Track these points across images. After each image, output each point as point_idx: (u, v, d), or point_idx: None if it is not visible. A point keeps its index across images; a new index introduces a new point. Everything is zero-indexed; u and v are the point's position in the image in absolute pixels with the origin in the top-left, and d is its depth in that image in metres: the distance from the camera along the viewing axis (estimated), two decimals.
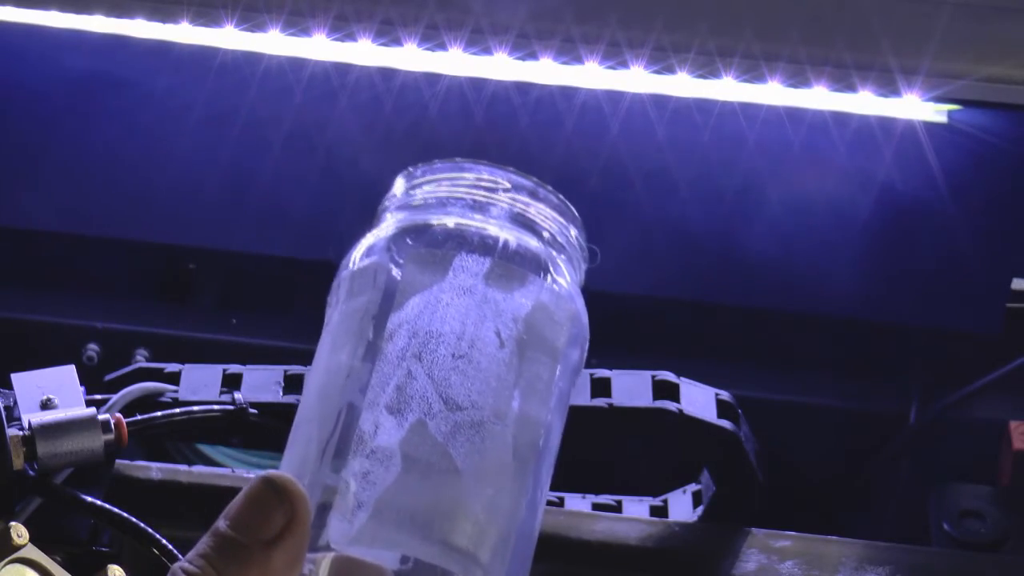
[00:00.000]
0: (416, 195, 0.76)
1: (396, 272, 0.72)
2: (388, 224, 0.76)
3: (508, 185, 0.75)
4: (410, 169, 0.77)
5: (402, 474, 0.66)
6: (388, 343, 0.69)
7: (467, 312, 0.69)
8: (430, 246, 0.72)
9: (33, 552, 0.80)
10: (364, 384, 0.68)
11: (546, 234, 0.74)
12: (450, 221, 0.73)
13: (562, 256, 0.74)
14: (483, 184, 0.75)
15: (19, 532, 0.79)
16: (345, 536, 0.64)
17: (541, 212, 0.75)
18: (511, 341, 0.69)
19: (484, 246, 0.72)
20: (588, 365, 0.96)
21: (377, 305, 0.71)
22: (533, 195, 0.75)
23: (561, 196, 0.75)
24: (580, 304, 0.75)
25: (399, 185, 0.78)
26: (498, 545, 0.67)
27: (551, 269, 0.73)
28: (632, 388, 0.93)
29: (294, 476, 0.63)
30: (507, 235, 0.73)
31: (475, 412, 0.67)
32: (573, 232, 0.76)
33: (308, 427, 0.69)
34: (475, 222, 0.73)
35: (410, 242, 0.73)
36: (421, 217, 0.74)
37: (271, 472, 0.59)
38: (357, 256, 0.75)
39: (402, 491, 0.65)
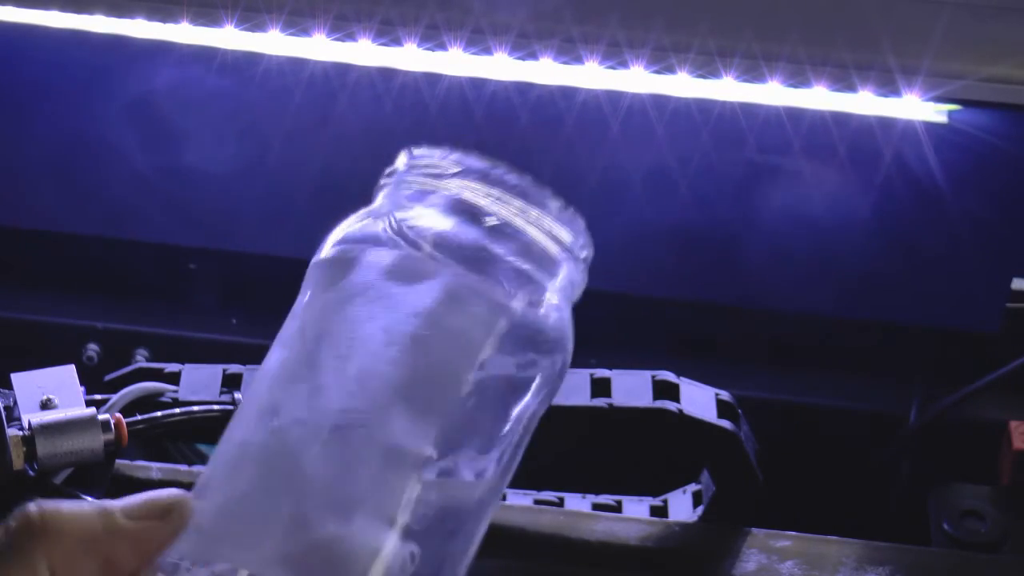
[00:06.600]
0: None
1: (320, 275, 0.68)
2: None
3: (456, 169, 0.67)
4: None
5: (252, 484, 0.62)
6: (284, 350, 0.66)
7: (358, 310, 0.65)
8: (345, 243, 0.68)
9: None
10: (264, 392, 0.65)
11: (490, 220, 0.66)
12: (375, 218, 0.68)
13: (503, 241, 0.67)
14: (428, 170, 0.68)
15: None
16: (182, 552, 0.62)
17: (490, 196, 0.66)
18: (404, 338, 0.64)
19: (392, 240, 0.66)
20: (588, 365, 0.96)
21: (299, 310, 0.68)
22: (484, 179, 0.67)
23: (521, 176, 0.67)
24: (515, 302, 0.66)
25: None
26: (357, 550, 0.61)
27: (482, 256, 0.66)
28: (632, 388, 0.93)
29: None
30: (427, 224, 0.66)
31: (344, 416, 0.62)
32: (533, 213, 0.67)
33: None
34: (406, 212, 0.67)
35: (336, 246, 0.68)
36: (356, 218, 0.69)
37: None
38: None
39: (250, 502, 0.62)
